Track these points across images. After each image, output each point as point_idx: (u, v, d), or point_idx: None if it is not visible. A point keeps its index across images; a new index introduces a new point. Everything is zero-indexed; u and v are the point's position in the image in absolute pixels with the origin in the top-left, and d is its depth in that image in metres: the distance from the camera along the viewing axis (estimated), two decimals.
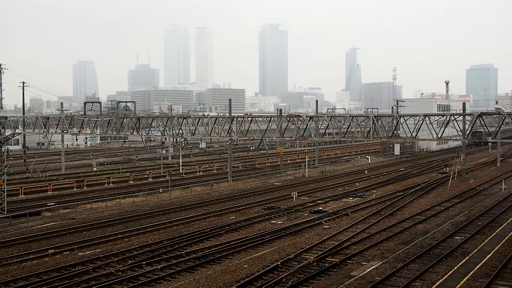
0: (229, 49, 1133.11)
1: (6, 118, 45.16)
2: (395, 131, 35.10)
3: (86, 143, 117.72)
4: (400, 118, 33.59)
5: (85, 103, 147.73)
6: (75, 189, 55.88)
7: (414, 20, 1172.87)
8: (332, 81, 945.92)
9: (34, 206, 45.73)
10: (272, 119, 37.06)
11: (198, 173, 70.74)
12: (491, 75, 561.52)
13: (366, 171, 72.33)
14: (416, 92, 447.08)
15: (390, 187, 57.75)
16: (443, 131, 31.51)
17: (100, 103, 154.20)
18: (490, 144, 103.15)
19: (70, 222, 39.64)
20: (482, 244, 31.42)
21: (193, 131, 39.31)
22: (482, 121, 30.19)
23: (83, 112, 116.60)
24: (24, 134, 71.73)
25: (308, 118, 35.81)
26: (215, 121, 39.05)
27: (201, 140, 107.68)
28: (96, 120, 43.69)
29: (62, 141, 78.84)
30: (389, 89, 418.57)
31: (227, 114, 62.58)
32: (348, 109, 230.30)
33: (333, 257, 29.35)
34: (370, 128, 33.38)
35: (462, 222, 38.18)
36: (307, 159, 72.51)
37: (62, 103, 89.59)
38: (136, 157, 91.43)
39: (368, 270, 26.56)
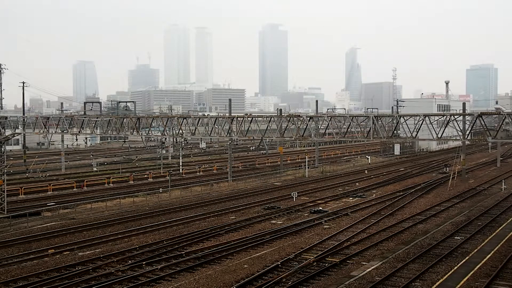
0: (229, 49, 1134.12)
1: (6, 118, 45.16)
2: (395, 131, 35.09)
3: (86, 143, 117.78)
4: (400, 118, 33.59)
5: (85, 103, 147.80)
6: (75, 189, 55.88)
7: (414, 20, 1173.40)
8: (332, 81, 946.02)
9: (34, 206, 45.73)
10: (272, 119, 37.05)
11: (198, 173, 70.73)
12: (491, 75, 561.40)
13: (366, 171, 72.34)
14: (416, 92, 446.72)
15: (390, 187, 57.75)
16: (443, 131, 31.51)
17: (100, 103, 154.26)
18: (490, 144, 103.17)
19: (70, 222, 39.65)
20: (482, 244, 31.42)
21: (193, 131, 39.32)
22: (482, 121, 30.20)
23: (83, 112, 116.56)
24: (24, 134, 71.71)
25: (308, 118, 35.82)
26: (215, 121, 39.05)
27: (201, 140, 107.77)
28: (96, 120, 43.72)
29: (62, 141, 78.87)
30: (389, 89, 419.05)
31: (227, 114, 62.58)
32: (348, 109, 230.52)
33: (333, 257, 29.34)
34: (370, 128, 33.37)
35: (462, 222, 38.18)
36: (307, 159, 72.48)
37: (62, 103, 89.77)
38: (136, 157, 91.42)
39: (368, 270, 26.56)
